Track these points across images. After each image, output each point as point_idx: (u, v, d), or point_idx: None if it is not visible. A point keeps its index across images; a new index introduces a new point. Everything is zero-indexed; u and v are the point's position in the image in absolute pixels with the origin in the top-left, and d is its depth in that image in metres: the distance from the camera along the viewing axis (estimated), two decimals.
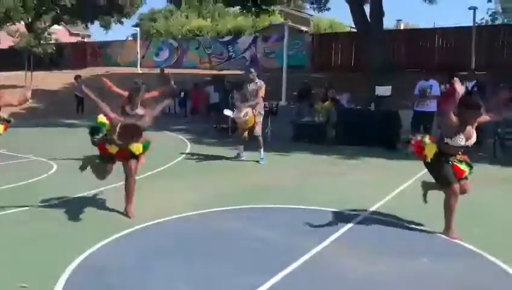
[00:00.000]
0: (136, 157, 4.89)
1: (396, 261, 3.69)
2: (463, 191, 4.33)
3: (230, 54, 23.76)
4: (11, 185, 6.02)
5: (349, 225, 4.55)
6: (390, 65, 16.39)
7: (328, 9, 19.59)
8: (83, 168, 5.14)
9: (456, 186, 4.22)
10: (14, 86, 19.50)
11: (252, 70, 8.18)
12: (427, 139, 4.43)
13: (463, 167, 4.31)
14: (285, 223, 4.65)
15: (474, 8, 16.70)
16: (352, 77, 17.06)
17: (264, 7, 18.65)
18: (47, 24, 20.88)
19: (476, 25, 17.67)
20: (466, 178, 4.37)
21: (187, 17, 32.17)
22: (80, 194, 5.61)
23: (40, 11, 25.96)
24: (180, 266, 3.59)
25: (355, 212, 4.96)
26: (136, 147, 4.84)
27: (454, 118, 4.13)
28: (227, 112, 8.51)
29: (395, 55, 18.24)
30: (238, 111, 7.89)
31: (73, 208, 5.04)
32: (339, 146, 9.40)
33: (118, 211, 4.94)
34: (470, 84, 9.69)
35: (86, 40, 41.74)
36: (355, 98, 12.94)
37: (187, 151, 8.97)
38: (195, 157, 8.45)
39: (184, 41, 26.58)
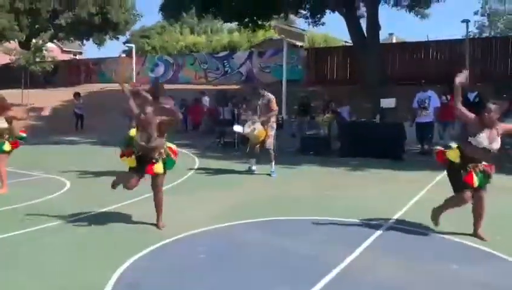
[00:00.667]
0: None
1: (429, 268, 3.78)
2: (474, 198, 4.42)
3: (226, 69, 23.95)
4: (31, 202, 6.00)
5: (377, 234, 4.63)
6: (386, 78, 16.70)
7: (323, 23, 19.93)
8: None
9: (468, 194, 4.34)
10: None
11: (263, 89, 8.24)
12: (452, 144, 4.57)
13: (476, 178, 4.33)
14: (312, 234, 4.71)
15: (467, 21, 17.11)
16: (348, 89, 17.29)
17: (260, 22, 18.96)
18: (44, 41, 20.92)
19: (469, 37, 18.10)
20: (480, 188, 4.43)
21: (181, 33, 32.41)
22: (103, 209, 5.62)
23: (35, 30, 26.06)
24: (219, 278, 3.62)
25: (378, 221, 5.04)
26: (157, 167, 4.86)
27: (469, 115, 4.39)
28: (237, 128, 8.58)
29: (390, 68, 18.53)
30: (248, 126, 7.92)
31: (100, 222, 5.06)
32: (345, 158, 9.53)
33: (144, 224, 4.97)
34: (472, 95, 9.93)
35: (78, 57, 41.82)
36: (354, 111, 13.18)
37: (196, 167, 9.00)
38: (205, 172, 8.48)
39: (179, 57, 26.75)
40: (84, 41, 30.90)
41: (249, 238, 4.58)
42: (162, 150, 4.91)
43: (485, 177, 4.44)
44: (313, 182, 7.52)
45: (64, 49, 42.42)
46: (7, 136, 6.58)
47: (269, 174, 8.00)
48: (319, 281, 3.48)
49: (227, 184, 7.42)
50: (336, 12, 18.11)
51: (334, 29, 57.47)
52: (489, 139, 4.27)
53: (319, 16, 19.33)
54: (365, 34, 16.54)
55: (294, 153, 10.58)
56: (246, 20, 18.32)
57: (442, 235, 4.61)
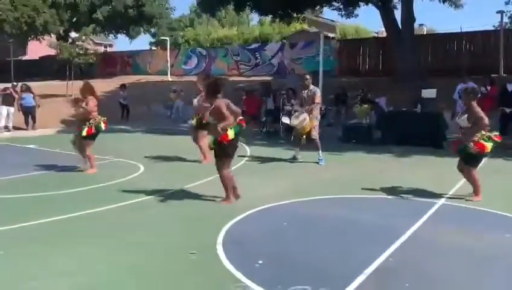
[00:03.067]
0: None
1: (485, 236, 4.38)
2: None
3: (258, 60, 24.54)
4: (115, 181, 6.82)
5: (433, 209, 5.27)
6: (421, 69, 17.05)
7: (356, 15, 20.33)
8: None
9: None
10: (55, 96, 20.55)
11: (308, 76, 8.72)
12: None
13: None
14: (378, 209, 5.37)
15: (502, 12, 17.29)
16: (381, 80, 17.71)
17: (294, 15, 19.46)
18: (87, 35, 21.90)
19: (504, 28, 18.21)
20: None
21: (207, 26, 33.08)
22: (182, 187, 6.39)
23: (73, 23, 27.14)
24: (307, 240, 4.30)
25: (431, 199, 5.67)
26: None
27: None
28: (285, 120, 9.09)
29: (423, 59, 18.80)
30: (295, 117, 8.27)
31: (185, 197, 5.83)
32: (387, 146, 10.04)
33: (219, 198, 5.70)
34: (510, 86, 10.33)
35: (108, 49, 43.02)
36: (390, 101, 13.63)
37: (248, 154, 9.63)
38: (256, 159, 9.07)
39: (212, 49, 27.47)
40: (117, 35, 31.94)
41: (322, 211, 5.26)
42: None
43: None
44: (362, 167, 8.14)
45: (96, 41, 43.71)
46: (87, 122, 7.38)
47: (317, 162, 8.42)
48: (393, 242, 4.13)
49: (281, 169, 8.06)
50: (369, 4, 18.50)
51: (364, 20, 57.44)
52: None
53: (351, 7, 19.68)
54: (400, 25, 16.87)
55: (336, 142, 11.15)
56: (281, 13, 18.82)
57: (489, 210, 5.21)
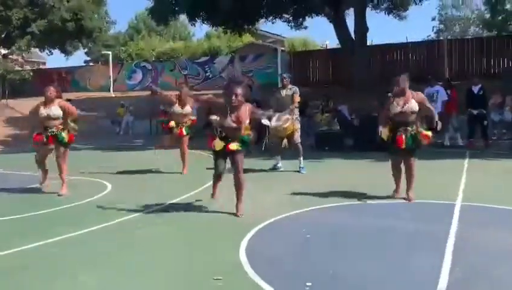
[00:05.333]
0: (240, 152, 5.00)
1: None
2: None
3: (208, 74, 23.94)
4: (86, 200, 5.92)
5: (457, 210, 4.92)
6: (374, 77, 17.27)
7: (306, 27, 20.40)
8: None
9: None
10: None
11: (285, 76, 8.30)
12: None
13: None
14: (403, 214, 4.97)
15: (441, 21, 18.04)
16: (332, 90, 17.77)
17: (246, 27, 19.14)
18: (22, 49, 20.19)
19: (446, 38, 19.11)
20: None
21: (142, 38, 32.03)
22: (174, 201, 5.64)
23: (4, 38, 25.07)
24: (355, 251, 3.76)
25: (445, 201, 5.35)
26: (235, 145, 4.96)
27: None
28: (265, 122, 8.59)
29: (375, 68, 19.14)
30: (277, 119, 7.59)
31: (177, 213, 5.09)
32: (363, 153, 9.76)
33: (224, 213, 5.03)
34: (476, 88, 10.52)
35: (41, 67, 40.45)
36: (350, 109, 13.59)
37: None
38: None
39: (158, 63, 26.49)
40: (52, 50, 29.97)
41: (342, 220, 4.76)
42: None
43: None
44: (350, 173, 7.78)
45: (26, 59, 40.93)
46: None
47: (298, 171, 7.92)
48: (445, 249, 3.71)
49: (266, 179, 7.46)
50: (319, 15, 18.63)
51: (312, 32, 58.81)
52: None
53: (301, 19, 19.73)
54: (353, 35, 17.06)
55: (307, 149, 10.75)
56: (232, 24, 18.45)
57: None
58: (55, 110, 6.36)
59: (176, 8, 16.37)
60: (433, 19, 44.55)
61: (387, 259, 3.61)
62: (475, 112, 10.36)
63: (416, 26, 59.49)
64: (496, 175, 7.14)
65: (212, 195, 5.43)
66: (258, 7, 17.17)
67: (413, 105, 5.46)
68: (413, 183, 5.51)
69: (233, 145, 4.87)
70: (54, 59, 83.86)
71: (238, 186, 5.08)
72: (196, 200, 5.78)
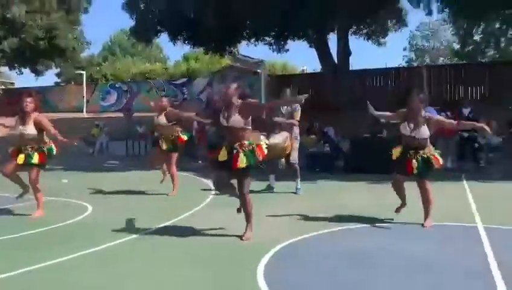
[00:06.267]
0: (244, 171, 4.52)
1: None
2: None
3: (185, 96, 23.50)
4: (68, 222, 5.28)
5: (482, 233, 4.58)
6: (357, 102, 17.23)
7: (287, 50, 20.33)
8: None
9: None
10: None
11: (288, 90, 7.93)
12: None
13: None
14: (421, 238, 4.57)
15: (425, 48, 18.29)
16: (314, 114, 17.57)
17: (227, 48, 18.93)
18: None
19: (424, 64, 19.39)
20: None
21: (133, 60, 31.48)
22: (163, 224, 5.07)
23: None
24: (395, 282, 3.31)
25: (467, 224, 5.00)
26: (240, 159, 4.46)
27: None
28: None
29: (356, 92, 19.14)
30: (275, 136, 7.08)
31: (174, 236, 4.54)
32: (357, 174, 9.42)
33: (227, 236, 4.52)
34: (466, 111, 10.45)
35: (9, 87, 39.09)
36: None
37: (212, 187, 8.46)
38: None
39: (134, 84, 25.88)
40: (22, 69, 28.97)
41: (362, 244, 4.32)
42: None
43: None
44: (349, 194, 7.41)
45: None
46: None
47: (294, 192, 7.53)
48: (497, 279, 3.29)
49: (262, 200, 6.93)
50: (297, 39, 18.61)
51: (291, 56, 59.23)
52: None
53: (283, 42, 19.67)
54: (335, 60, 17.04)
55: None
56: (214, 45, 18.20)
57: None
58: (30, 129, 5.71)
59: (158, 27, 16.00)
60: (404, 49, 45.97)
61: (427, 285, 3.18)
62: (466, 134, 10.25)
63: (391, 54, 61.18)
64: (503, 197, 6.88)
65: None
66: (241, 29, 17.00)
67: (424, 132, 5.06)
68: (430, 209, 5.07)
69: (242, 161, 4.36)
70: (23, 80, 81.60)
71: (244, 208, 4.60)
72: (189, 223, 5.24)
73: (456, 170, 10.09)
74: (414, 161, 4.97)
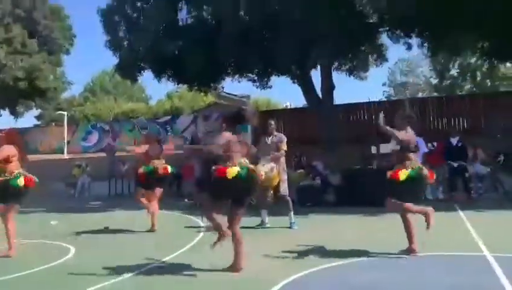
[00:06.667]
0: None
1: None
2: None
3: (169, 134, 23.22)
4: (48, 265, 4.88)
5: (493, 262, 4.34)
6: (341, 136, 17.24)
7: (270, 87, 20.39)
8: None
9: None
10: None
11: (272, 122, 7.85)
12: None
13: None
14: (428, 268, 4.31)
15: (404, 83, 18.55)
16: (299, 148, 17.48)
17: (211, 85, 18.89)
18: None
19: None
20: None
21: (115, 100, 31.30)
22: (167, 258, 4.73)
23: None
24: None
25: (474, 253, 4.79)
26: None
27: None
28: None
29: (339, 126, 19.18)
30: (261, 167, 7.15)
31: (172, 276, 4.20)
32: (349, 207, 9.21)
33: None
34: (454, 140, 10.44)
35: None
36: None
37: (202, 225, 8.10)
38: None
39: (116, 123, 25.54)
40: (1, 111, 28.48)
41: (364, 278, 4.04)
42: None
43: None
44: (345, 228, 7.18)
45: None
46: None
47: (289, 227, 7.25)
48: None
49: (256, 236, 6.64)
50: (281, 75, 18.72)
51: (274, 92, 59.60)
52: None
53: (266, 79, 19.75)
54: (319, 94, 17.11)
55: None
56: (198, 82, 18.15)
57: None
58: None
59: (142, 64, 15.91)
60: (384, 84, 46.83)
61: None
62: (455, 164, 10.20)
63: (372, 88, 62.26)
64: (503, 225, 6.73)
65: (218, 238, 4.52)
66: (225, 66, 17.01)
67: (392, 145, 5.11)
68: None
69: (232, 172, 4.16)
70: (2, 121, 79.98)
71: (238, 241, 4.33)
72: (183, 260, 4.91)
73: (447, 200, 9.97)
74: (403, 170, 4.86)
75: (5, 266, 5.07)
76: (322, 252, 5.25)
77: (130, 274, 4.42)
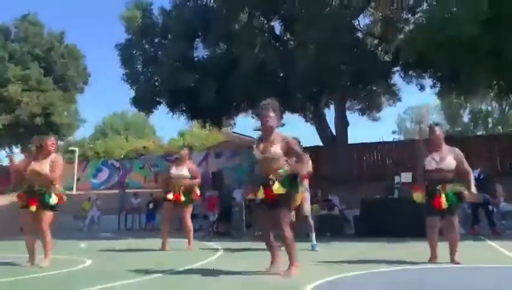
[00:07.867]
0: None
1: None
2: None
3: None
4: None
5: None
6: (355, 174, 17.07)
7: (283, 124, 20.43)
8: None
9: None
10: None
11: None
12: None
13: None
14: (466, 279, 4.01)
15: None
16: (313, 185, 17.24)
17: (224, 120, 18.99)
18: None
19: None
20: None
21: (127, 139, 31.49)
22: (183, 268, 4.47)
23: None
24: None
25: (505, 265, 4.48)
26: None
27: None
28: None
29: (353, 166, 19.00)
30: None
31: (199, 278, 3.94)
32: (368, 237, 8.87)
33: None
34: (476, 172, 10.16)
35: None
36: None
37: (216, 247, 7.84)
38: (235, 250, 7.31)
39: (127, 161, 25.48)
40: (13, 148, 28.66)
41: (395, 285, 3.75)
42: None
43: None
44: (371, 251, 6.82)
45: None
46: None
47: (311, 249, 7.00)
48: None
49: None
50: (294, 112, 18.81)
51: (285, 130, 59.45)
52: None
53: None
54: (334, 132, 17.07)
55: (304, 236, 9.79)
56: (211, 118, 18.26)
57: None
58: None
59: (157, 98, 16.11)
60: (394, 132, 46.34)
61: None
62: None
63: (386, 128, 61.97)
64: None
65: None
66: (238, 101, 17.14)
67: (450, 162, 4.90)
68: (457, 245, 4.89)
69: (277, 188, 3.93)
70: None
71: (287, 248, 4.09)
72: (211, 266, 4.64)
73: (473, 233, 9.59)
74: (442, 195, 4.67)
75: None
76: (345, 262, 5.01)
77: (147, 277, 4.17)
